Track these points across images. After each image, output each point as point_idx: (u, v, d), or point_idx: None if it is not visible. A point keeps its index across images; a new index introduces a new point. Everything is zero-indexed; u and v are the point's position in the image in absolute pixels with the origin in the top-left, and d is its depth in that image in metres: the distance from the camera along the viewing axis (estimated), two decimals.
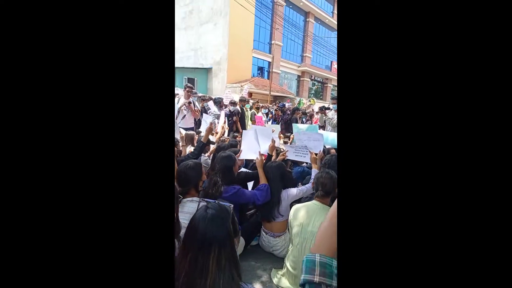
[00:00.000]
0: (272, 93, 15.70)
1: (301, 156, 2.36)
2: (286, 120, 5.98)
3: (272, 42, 17.55)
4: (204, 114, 3.48)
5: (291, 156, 2.38)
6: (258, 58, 17.88)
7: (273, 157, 2.28)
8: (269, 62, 16.07)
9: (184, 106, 4.93)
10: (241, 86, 15.21)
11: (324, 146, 3.41)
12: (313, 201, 1.69)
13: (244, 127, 5.94)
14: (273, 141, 2.47)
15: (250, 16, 15.44)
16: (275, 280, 1.71)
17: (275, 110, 6.23)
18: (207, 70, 16.83)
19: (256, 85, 16.24)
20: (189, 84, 5.14)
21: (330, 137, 3.97)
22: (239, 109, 5.92)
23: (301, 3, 19.34)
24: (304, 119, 6.52)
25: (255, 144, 2.57)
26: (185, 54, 18.70)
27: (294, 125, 4.86)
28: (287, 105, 7.34)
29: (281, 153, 2.31)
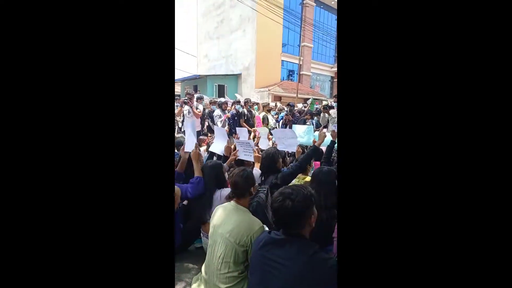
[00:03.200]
0: (302, 96, 15.36)
1: (248, 155, 2.22)
2: (293, 122, 5.78)
3: (302, 44, 17.24)
4: (188, 121, 3.35)
5: (240, 155, 2.26)
6: (287, 62, 17.71)
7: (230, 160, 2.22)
8: (299, 65, 15.79)
9: (188, 109, 5.13)
10: (269, 90, 15.21)
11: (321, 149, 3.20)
12: (231, 202, 1.57)
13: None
14: (228, 142, 2.40)
15: (278, 20, 15.40)
16: (193, 285, 1.62)
17: (286, 114, 6.06)
18: (237, 76, 17.19)
19: (285, 88, 16.07)
20: (189, 91, 5.34)
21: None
22: (246, 111, 5.90)
23: (333, 2, 18.71)
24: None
25: (220, 140, 2.56)
26: (218, 62, 19.41)
27: (293, 126, 4.69)
28: (300, 106, 7.09)
29: (232, 153, 2.22)
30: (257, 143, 3.17)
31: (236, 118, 5.62)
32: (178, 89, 18.87)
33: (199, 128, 5.49)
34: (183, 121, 5.46)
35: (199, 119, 5.50)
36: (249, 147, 2.20)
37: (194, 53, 22.27)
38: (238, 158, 2.21)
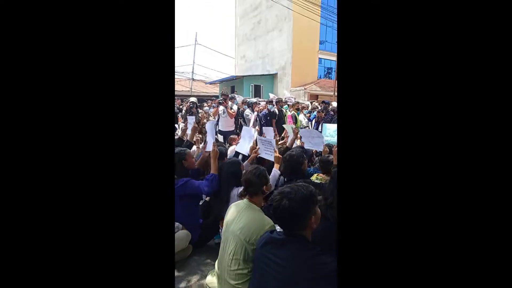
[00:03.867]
0: None
1: (268, 154, 2.19)
2: (327, 121, 5.61)
3: None
4: (188, 117, 3.61)
5: (261, 153, 2.25)
6: (325, 59, 17.20)
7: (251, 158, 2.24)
8: (337, 62, 15.23)
9: (222, 110, 5.31)
10: (305, 88, 14.93)
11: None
12: (244, 200, 1.59)
13: (281, 129, 5.89)
14: (254, 143, 2.41)
15: (315, 18, 15.04)
16: (208, 278, 1.67)
17: (318, 111, 5.90)
18: (273, 76, 17.18)
19: (322, 86, 15.63)
20: (224, 92, 5.48)
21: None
22: (277, 111, 5.88)
23: None
24: None
25: (246, 140, 2.61)
26: (254, 63, 19.62)
27: (324, 125, 4.56)
28: (334, 104, 6.84)
29: (254, 151, 2.23)
30: (285, 143, 3.15)
31: (268, 118, 5.64)
32: (216, 90, 19.50)
33: (233, 128, 5.63)
34: (218, 120, 5.66)
35: (233, 119, 5.63)
36: (270, 146, 2.17)
37: (232, 55, 22.82)
38: (259, 156, 2.21)
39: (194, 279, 1.76)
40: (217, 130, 5.31)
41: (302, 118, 5.89)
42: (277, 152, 2.12)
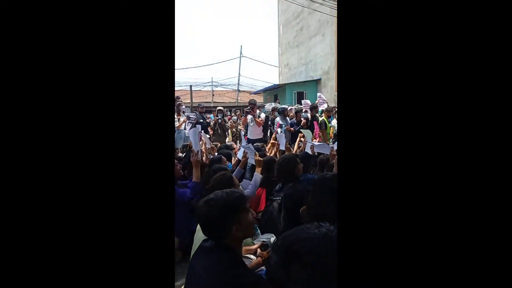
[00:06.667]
0: None
1: (251, 158, 2.18)
2: None
3: None
4: (191, 130, 3.31)
5: (249, 158, 2.24)
6: None
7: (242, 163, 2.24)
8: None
9: (250, 118, 5.40)
10: None
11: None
12: None
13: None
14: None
15: None
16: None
17: None
18: (317, 82, 16.74)
19: None
20: (251, 101, 5.57)
21: None
22: (310, 116, 5.70)
23: None
24: None
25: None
26: (297, 70, 19.45)
27: None
28: None
29: (243, 155, 2.24)
30: (303, 149, 3.06)
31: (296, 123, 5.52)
32: (261, 99, 19.89)
33: (261, 136, 5.65)
34: (246, 129, 5.76)
35: (261, 127, 5.65)
36: (251, 151, 2.20)
37: (276, 64, 23.06)
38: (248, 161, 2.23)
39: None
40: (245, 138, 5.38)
41: (334, 123, 5.57)
42: (257, 155, 2.09)
